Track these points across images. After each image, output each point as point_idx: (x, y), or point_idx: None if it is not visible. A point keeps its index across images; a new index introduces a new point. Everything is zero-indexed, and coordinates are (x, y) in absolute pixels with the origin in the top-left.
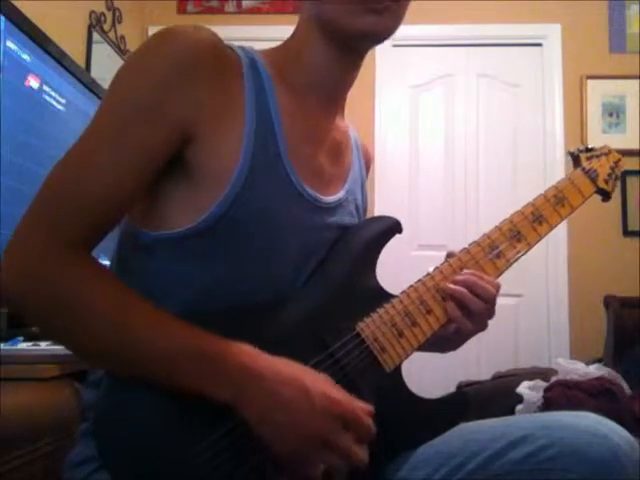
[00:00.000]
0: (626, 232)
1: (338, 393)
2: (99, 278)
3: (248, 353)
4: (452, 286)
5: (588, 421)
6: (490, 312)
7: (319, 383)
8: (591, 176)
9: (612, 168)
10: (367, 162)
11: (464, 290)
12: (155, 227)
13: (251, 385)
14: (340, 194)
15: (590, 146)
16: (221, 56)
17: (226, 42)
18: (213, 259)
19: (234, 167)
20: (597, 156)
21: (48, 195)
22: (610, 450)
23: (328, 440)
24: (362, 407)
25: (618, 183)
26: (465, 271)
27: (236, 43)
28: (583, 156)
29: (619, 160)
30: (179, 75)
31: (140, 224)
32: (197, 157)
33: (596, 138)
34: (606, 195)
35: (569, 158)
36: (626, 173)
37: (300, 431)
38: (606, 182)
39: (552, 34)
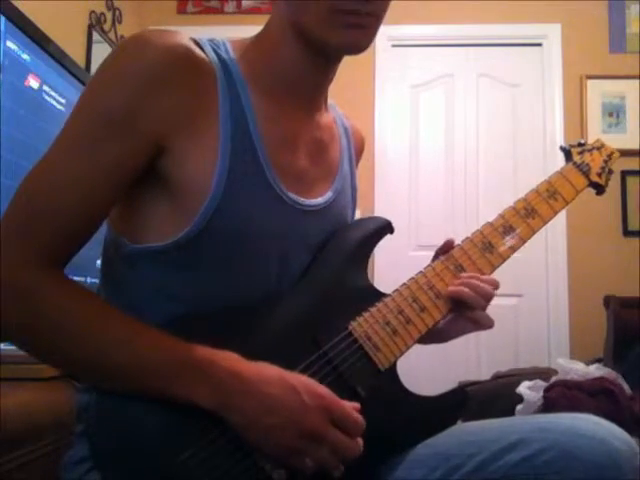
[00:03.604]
0: (626, 232)
1: (323, 389)
2: (74, 293)
3: (231, 359)
4: (452, 288)
5: (586, 424)
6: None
7: (303, 380)
8: (583, 170)
9: (605, 161)
10: (359, 147)
11: (465, 289)
12: (137, 240)
13: (237, 391)
14: (327, 195)
15: (582, 141)
16: (192, 64)
17: (195, 38)
18: (195, 270)
19: (211, 179)
20: (589, 150)
21: (19, 210)
22: (609, 454)
23: (318, 435)
24: (350, 405)
25: (618, 178)
26: (464, 274)
27: None
28: (574, 150)
29: (612, 153)
30: (149, 86)
31: (122, 235)
32: (172, 170)
33: (596, 138)
34: (600, 188)
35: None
36: (626, 173)
37: (290, 429)
38: (599, 175)
39: (552, 34)
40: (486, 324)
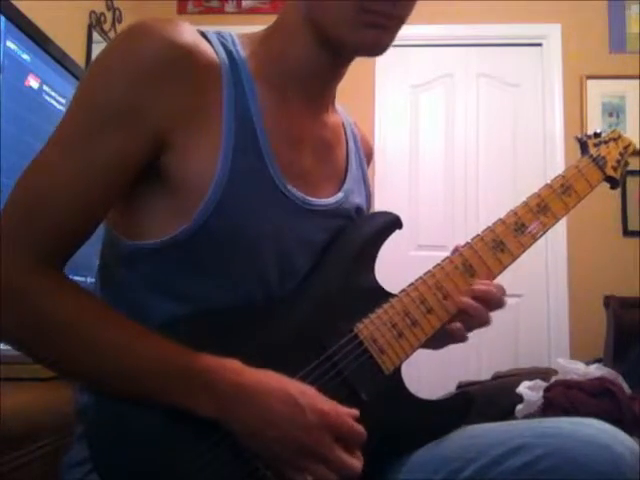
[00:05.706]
0: (626, 232)
1: (326, 404)
2: (72, 294)
3: (233, 368)
4: (464, 299)
5: (589, 429)
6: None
7: (307, 395)
8: (599, 163)
9: (621, 154)
10: (367, 153)
11: (473, 302)
12: (135, 237)
13: (238, 402)
14: (338, 196)
15: (598, 131)
16: (196, 57)
17: (203, 30)
18: (194, 269)
19: (212, 176)
20: (605, 142)
21: (15, 209)
22: (612, 460)
23: (320, 454)
24: (350, 412)
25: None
26: (477, 284)
27: None
28: (590, 142)
29: (629, 145)
30: (149, 79)
31: (121, 233)
32: (173, 165)
33: None
34: (615, 183)
35: (569, 158)
36: (626, 173)
37: (291, 445)
38: (614, 169)
39: (552, 34)
40: (462, 339)
